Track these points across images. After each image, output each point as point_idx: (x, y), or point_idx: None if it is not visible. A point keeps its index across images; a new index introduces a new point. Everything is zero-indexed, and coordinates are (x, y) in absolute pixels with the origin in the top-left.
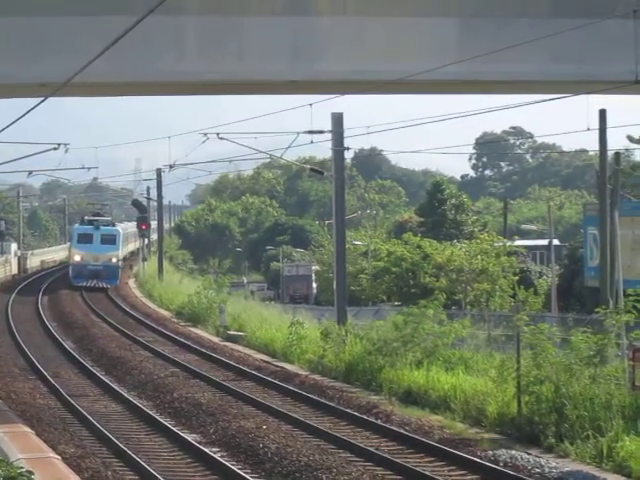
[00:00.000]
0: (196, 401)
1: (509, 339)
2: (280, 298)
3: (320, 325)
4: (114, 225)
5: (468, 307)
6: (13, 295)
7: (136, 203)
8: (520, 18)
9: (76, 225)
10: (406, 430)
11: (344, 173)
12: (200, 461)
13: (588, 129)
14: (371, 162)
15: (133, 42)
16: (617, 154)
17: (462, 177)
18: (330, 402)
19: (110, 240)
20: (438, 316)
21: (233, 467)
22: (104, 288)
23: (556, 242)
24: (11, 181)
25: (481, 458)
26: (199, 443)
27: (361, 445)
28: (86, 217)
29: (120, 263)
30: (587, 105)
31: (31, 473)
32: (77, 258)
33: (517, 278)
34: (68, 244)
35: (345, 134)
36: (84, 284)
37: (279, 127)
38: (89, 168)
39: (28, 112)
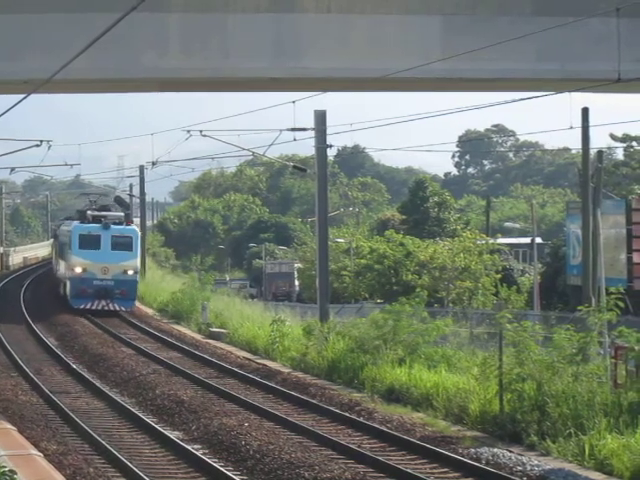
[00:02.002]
0: (178, 398)
1: (492, 337)
2: (263, 295)
3: (303, 322)
4: (129, 223)
5: (451, 305)
6: None
7: (118, 200)
8: (502, 16)
9: (74, 223)
10: (388, 428)
11: (327, 171)
12: (182, 458)
13: (571, 127)
14: (354, 160)
15: (116, 39)
16: (600, 152)
17: (445, 175)
18: (312, 399)
19: (124, 244)
20: (420, 314)
21: (215, 464)
22: (116, 312)
23: (539, 240)
24: None
25: (463, 456)
26: (181, 440)
27: (343, 443)
28: (89, 212)
29: (138, 276)
30: (570, 103)
31: (14, 472)
32: (78, 270)
33: (500, 276)
34: (51, 241)
35: (328, 132)
36: (89, 307)
37: (262, 124)
38: (72, 165)
39: (10, 109)
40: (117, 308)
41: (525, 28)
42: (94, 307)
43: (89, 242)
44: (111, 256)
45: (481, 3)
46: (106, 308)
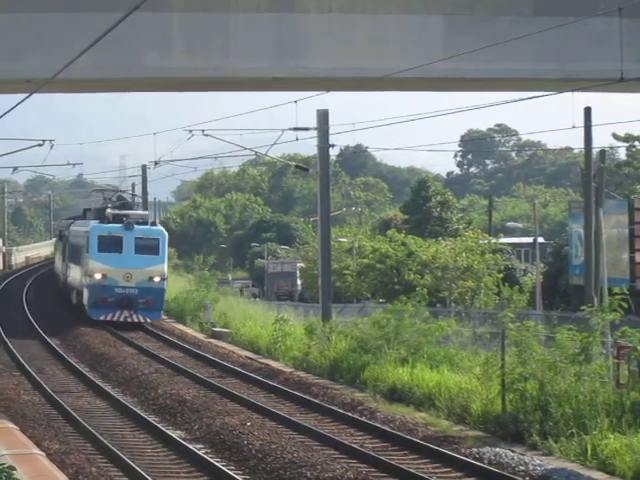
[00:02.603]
0: (180, 398)
1: (494, 337)
2: (265, 295)
3: (305, 322)
4: (154, 223)
5: (453, 305)
6: None
7: (121, 199)
8: (503, 16)
9: (92, 223)
10: (390, 427)
11: (329, 170)
12: (184, 458)
13: (573, 127)
14: (356, 159)
15: (118, 38)
16: (602, 152)
17: (447, 174)
18: (314, 399)
19: (150, 247)
20: (421, 313)
21: (217, 464)
22: (140, 324)
23: (541, 240)
24: None
25: (465, 455)
26: (183, 440)
27: (345, 442)
28: (109, 210)
29: (166, 283)
30: (572, 103)
31: (12, 468)
32: (97, 276)
33: (502, 276)
34: (53, 240)
35: (330, 131)
36: (109, 318)
37: (264, 124)
38: (74, 164)
39: (13, 108)
40: (142, 320)
41: (527, 28)
42: (115, 318)
43: (109, 244)
44: (135, 260)
45: (480, 3)
46: (129, 320)
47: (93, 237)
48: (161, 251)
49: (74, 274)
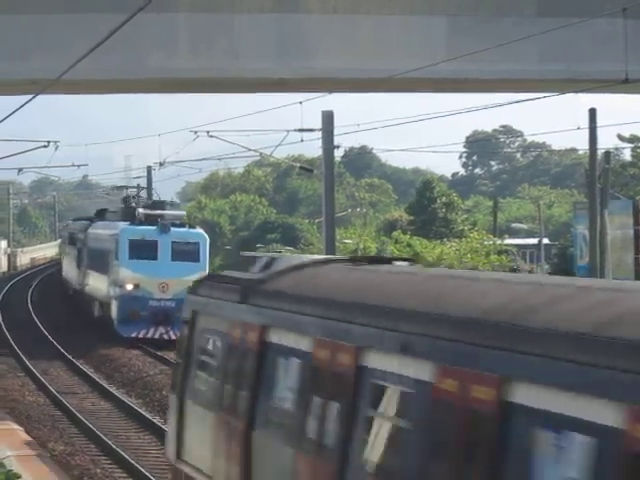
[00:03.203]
0: None
1: None
2: None
3: None
4: (193, 225)
5: None
6: (2, 293)
7: (127, 201)
8: (507, 17)
9: (121, 225)
10: None
11: (334, 171)
12: None
13: (578, 128)
14: (361, 160)
15: (123, 39)
16: (607, 153)
17: (452, 175)
18: None
19: (189, 252)
20: None
21: None
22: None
23: (546, 241)
24: (0, 178)
25: None
26: None
27: None
28: (141, 209)
29: None
30: (578, 104)
31: (17, 476)
32: (128, 287)
33: None
34: (59, 241)
35: (335, 132)
36: (142, 335)
37: (269, 125)
38: (79, 165)
39: (19, 108)
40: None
41: (530, 29)
42: (149, 335)
43: (142, 250)
44: (171, 269)
45: (483, 4)
46: (165, 337)
47: (123, 241)
48: (202, 257)
49: (96, 283)
